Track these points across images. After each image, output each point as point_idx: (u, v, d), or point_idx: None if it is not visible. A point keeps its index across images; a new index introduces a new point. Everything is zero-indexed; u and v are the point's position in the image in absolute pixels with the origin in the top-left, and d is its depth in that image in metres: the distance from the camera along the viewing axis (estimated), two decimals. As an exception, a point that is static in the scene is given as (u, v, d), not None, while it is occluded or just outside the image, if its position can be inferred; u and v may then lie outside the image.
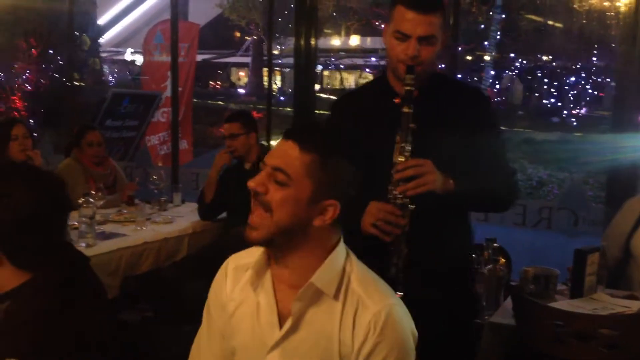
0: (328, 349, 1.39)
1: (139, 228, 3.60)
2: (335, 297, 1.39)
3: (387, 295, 1.42)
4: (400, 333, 1.38)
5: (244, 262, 1.52)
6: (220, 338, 1.53)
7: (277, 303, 1.44)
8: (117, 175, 4.37)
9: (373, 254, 1.83)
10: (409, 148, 1.91)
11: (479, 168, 2.06)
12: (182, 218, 3.94)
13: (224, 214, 3.93)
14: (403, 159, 1.91)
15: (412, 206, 1.91)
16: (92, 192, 3.58)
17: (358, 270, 1.44)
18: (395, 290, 1.85)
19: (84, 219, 3.19)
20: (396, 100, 1.96)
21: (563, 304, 2.39)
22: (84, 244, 3.16)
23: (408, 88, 1.93)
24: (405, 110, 1.93)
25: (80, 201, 3.24)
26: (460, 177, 1.99)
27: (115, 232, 3.51)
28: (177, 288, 3.38)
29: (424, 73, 1.99)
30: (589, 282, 2.49)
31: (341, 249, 1.44)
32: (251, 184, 1.38)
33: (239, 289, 1.50)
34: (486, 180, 2.06)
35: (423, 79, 1.99)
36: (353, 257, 1.47)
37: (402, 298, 1.84)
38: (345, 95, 2.31)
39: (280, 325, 1.42)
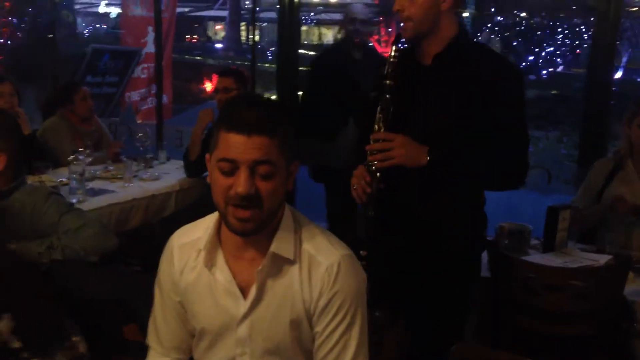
0: (295, 309, 1.44)
1: (126, 185, 3.65)
2: (294, 259, 1.43)
3: (336, 248, 1.46)
4: (352, 281, 1.45)
5: (188, 239, 1.53)
6: (176, 315, 1.56)
7: (235, 277, 1.45)
8: (102, 132, 4.40)
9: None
10: (386, 118, 1.97)
11: (487, 141, 1.97)
12: (169, 175, 3.99)
13: (209, 171, 4.00)
14: (378, 130, 1.99)
15: (382, 185, 1.98)
16: (81, 149, 3.62)
17: (306, 229, 1.47)
18: (361, 249, 1.95)
19: (74, 175, 3.24)
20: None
21: (536, 257, 2.54)
22: (74, 200, 3.20)
23: (392, 60, 1.97)
24: (388, 82, 1.97)
25: (70, 158, 3.29)
26: (454, 149, 1.96)
27: (104, 189, 3.55)
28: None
29: (416, 31, 1.98)
30: (561, 237, 2.64)
31: (287, 209, 1.47)
32: (243, 190, 1.32)
33: (189, 269, 1.51)
34: (487, 156, 1.99)
35: (432, 43, 1.99)
36: (298, 214, 1.50)
37: (366, 257, 1.95)
38: (324, 52, 2.35)
39: (244, 297, 1.45)
